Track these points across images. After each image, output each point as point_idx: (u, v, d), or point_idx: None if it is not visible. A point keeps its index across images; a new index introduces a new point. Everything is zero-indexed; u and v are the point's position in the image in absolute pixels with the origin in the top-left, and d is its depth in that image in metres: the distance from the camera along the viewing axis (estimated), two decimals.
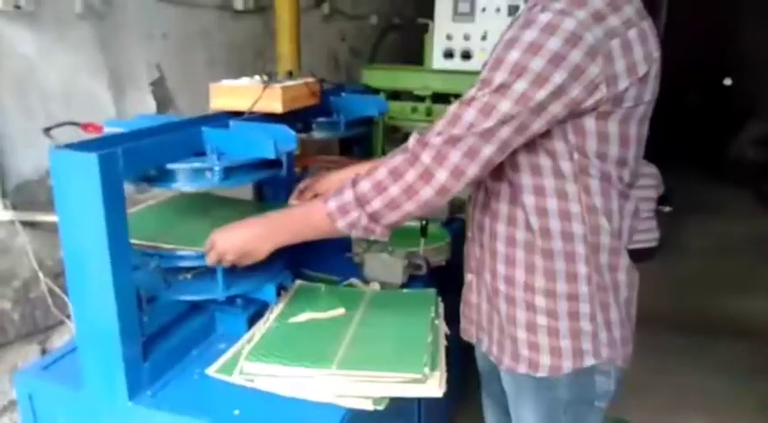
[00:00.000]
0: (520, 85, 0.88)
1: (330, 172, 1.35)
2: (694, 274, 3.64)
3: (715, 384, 2.53)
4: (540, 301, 1.04)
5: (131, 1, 2.17)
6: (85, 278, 0.94)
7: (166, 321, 1.17)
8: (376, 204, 0.97)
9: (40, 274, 1.80)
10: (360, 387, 0.99)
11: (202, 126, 1.12)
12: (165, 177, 1.05)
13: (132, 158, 0.93)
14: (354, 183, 0.98)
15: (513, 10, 2.28)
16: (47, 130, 0.93)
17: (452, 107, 0.95)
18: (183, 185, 1.06)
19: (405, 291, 1.34)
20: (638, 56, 0.92)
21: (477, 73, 2.57)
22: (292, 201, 1.32)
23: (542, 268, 1.03)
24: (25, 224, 1.76)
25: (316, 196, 1.30)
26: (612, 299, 1.04)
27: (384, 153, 2.74)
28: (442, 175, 0.93)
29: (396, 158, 0.97)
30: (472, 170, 0.93)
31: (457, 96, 2.81)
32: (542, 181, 1.00)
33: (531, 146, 0.98)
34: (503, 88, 0.89)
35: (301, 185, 1.35)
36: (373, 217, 0.98)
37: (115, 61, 2.14)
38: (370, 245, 1.49)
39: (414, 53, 2.79)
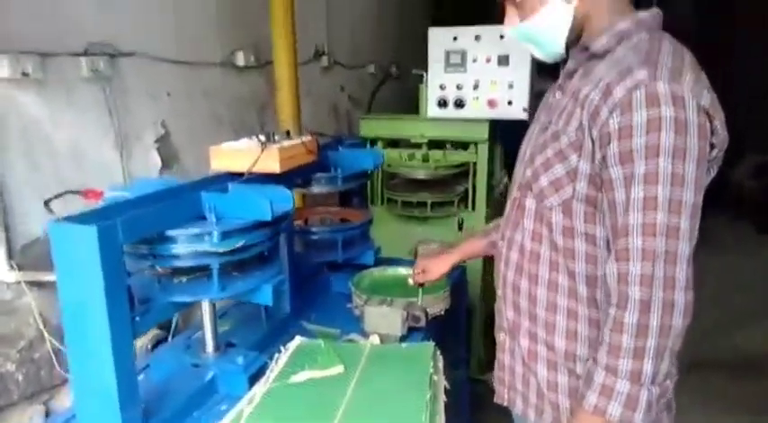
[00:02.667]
0: (684, 219, 0.89)
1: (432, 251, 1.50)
2: (702, 310, 3.60)
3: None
4: (582, 369, 1.03)
5: (136, 62, 2.26)
6: (85, 346, 0.96)
7: (166, 383, 1.18)
8: (649, 369, 0.90)
9: (45, 334, 1.82)
10: None
11: (201, 191, 1.15)
12: (165, 242, 1.08)
13: (131, 227, 0.96)
14: (611, 370, 0.92)
15: (503, 60, 2.35)
16: (46, 203, 0.97)
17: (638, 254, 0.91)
18: (183, 248, 1.08)
19: (403, 345, 1.34)
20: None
21: (470, 120, 2.65)
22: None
23: (587, 337, 1.03)
24: (32, 284, 1.79)
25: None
26: None
27: (383, 200, 2.78)
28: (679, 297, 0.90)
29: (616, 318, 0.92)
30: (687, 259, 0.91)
31: (452, 143, 2.86)
32: (595, 249, 1.00)
33: (588, 214, 0.99)
34: (672, 230, 0.89)
35: (417, 270, 1.52)
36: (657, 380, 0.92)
37: (121, 121, 2.21)
38: (369, 297, 1.51)
39: (411, 100, 2.86)
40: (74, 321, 0.96)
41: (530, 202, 1.07)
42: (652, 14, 1.01)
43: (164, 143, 2.47)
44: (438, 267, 1.51)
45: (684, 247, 0.89)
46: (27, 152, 1.86)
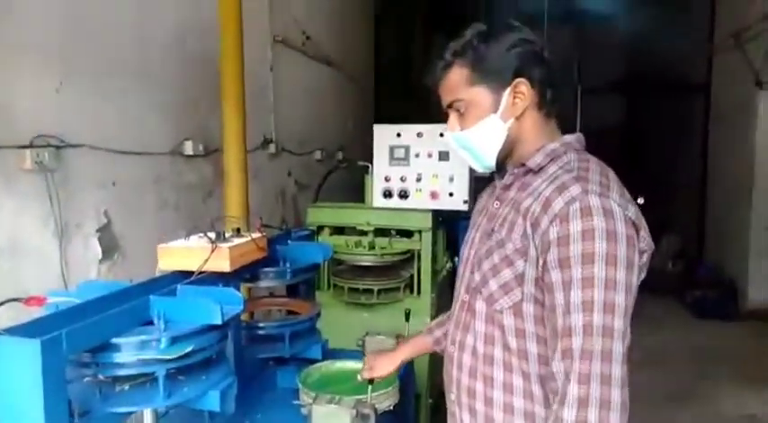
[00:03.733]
0: (618, 320, 0.96)
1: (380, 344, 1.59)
2: (634, 387, 3.71)
3: None
4: None
5: (83, 153, 2.26)
6: None
7: None
8: None
9: None
10: None
11: (149, 294, 1.15)
12: (111, 350, 1.05)
13: (76, 338, 0.94)
14: None
15: (443, 155, 2.50)
16: None
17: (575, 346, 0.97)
18: (128, 356, 1.06)
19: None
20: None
21: (413, 210, 2.74)
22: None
23: None
24: None
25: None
26: None
27: (330, 286, 2.79)
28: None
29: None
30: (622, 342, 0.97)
31: (397, 231, 2.91)
32: (546, 350, 1.04)
33: (537, 316, 1.05)
34: (608, 330, 0.96)
35: (364, 370, 1.53)
36: None
37: (62, 210, 2.18)
38: (317, 395, 1.49)
39: (357, 187, 2.95)
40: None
41: (480, 305, 1.13)
42: (576, 137, 1.15)
43: (105, 232, 2.43)
44: (385, 365, 1.53)
45: (618, 347, 0.96)
46: None
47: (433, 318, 2.66)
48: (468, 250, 1.23)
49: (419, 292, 2.72)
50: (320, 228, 2.77)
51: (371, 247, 2.70)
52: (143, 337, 1.06)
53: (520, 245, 1.06)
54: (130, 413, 1.15)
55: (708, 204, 6.56)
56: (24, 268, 1.99)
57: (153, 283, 1.27)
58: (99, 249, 2.39)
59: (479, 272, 1.13)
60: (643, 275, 1.08)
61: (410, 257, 2.74)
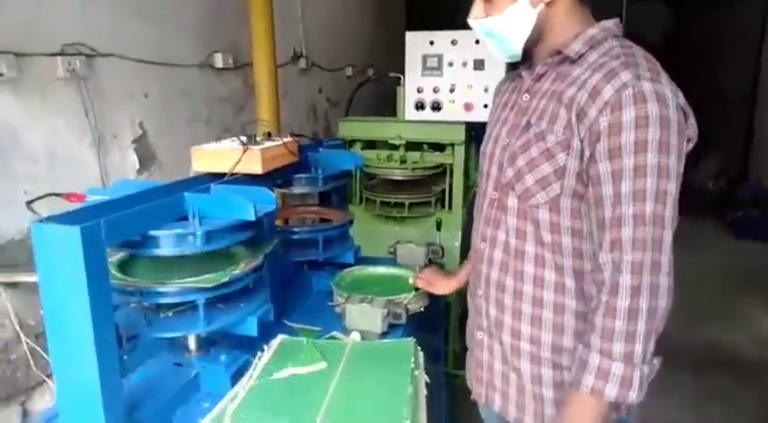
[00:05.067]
0: (669, 209, 0.96)
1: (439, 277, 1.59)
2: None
3: (702, 418, 2.57)
4: (568, 360, 1.08)
5: (113, 63, 2.25)
6: (68, 348, 0.96)
7: (150, 381, 1.19)
8: (640, 350, 0.96)
9: (22, 335, 1.80)
10: None
11: (184, 192, 1.16)
12: (148, 243, 1.09)
13: (114, 228, 0.96)
14: (605, 353, 0.96)
15: (478, 64, 2.40)
16: (29, 203, 0.97)
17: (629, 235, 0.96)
18: (167, 251, 1.10)
19: (385, 341, 1.37)
20: None
21: (446, 123, 2.68)
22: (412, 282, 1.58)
23: (574, 329, 1.08)
24: (6, 285, 1.78)
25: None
26: None
27: (362, 200, 2.80)
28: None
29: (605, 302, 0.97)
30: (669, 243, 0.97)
31: (429, 145, 2.88)
32: (582, 243, 1.05)
33: (574, 209, 1.04)
34: (659, 219, 0.95)
35: (421, 277, 1.59)
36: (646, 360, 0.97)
37: (98, 121, 2.20)
38: (350, 295, 1.53)
39: (389, 102, 2.89)
40: (56, 322, 0.96)
41: (512, 201, 1.11)
42: (614, 22, 1.08)
43: (141, 143, 2.47)
44: (444, 286, 1.59)
45: (668, 235, 0.96)
46: (1, 154, 1.84)
47: (463, 232, 2.68)
48: (492, 147, 1.19)
49: (450, 207, 2.71)
50: (352, 142, 2.75)
51: (403, 161, 2.68)
52: (179, 231, 1.09)
53: (562, 137, 1.02)
54: (174, 338, 1.20)
55: (756, 122, 6.24)
56: (64, 178, 2.04)
57: (187, 182, 1.29)
58: (136, 160, 2.44)
59: (513, 167, 1.10)
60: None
61: (442, 172, 2.72)
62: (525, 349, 1.12)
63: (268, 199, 1.20)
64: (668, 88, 0.96)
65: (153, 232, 1.07)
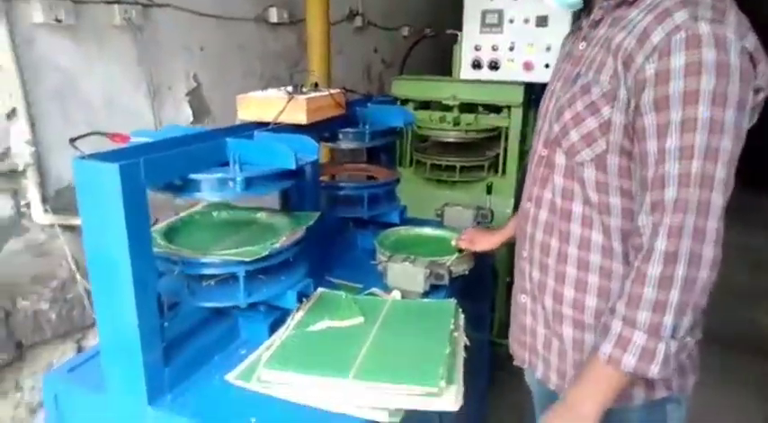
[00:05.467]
0: (720, 169, 0.85)
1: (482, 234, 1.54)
2: (735, 288, 3.51)
3: (747, 403, 2.43)
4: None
5: (169, 14, 2.25)
6: (108, 286, 0.97)
7: (190, 326, 1.20)
8: (669, 322, 0.86)
9: (78, 276, 1.88)
10: (375, 398, 0.99)
11: (227, 137, 1.14)
12: (188, 187, 1.08)
13: (154, 168, 0.95)
14: (628, 321, 0.89)
15: (541, 21, 2.26)
16: (72, 141, 0.97)
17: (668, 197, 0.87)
18: (206, 195, 1.09)
19: (425, 301, 1.33)
20: None
21: (504, 83, 2.57)
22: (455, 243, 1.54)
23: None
24: (64, 227, 1.84)
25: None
26: None
27: (412, 162, 2.74)
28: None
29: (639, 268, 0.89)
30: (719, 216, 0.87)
31: (485, 107, 2.78)
32: (632, 203, 0.97)
33: (623, 168, 0.96)
34: (707, 180, 0.84)
35: (462, 237, 1.56)
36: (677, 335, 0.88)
37: (153, 72, 2.22)
38: (392, 254, 1.50)
39: (444, 62, 2.79)
40: (97, 261, 0.97)
41: (560, 158, 1.04)
42: None
43: (195, 96, 2.48)
44: (486, 242, 1.53)
45: (718, 199, 0.85)
46: (60, 100, 1.88)
47: (516, 198, 2.58)
48: (547, 102, 1.11)
49: (504, 172, 2.62)
50: (404, 102, 2.68)
51: (456, 122, 2.59)
52: (219, 175, 1.07)
53: (608, 88, 0.93)
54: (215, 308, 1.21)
55: None
56: (120, 127, 2.08)
57: (232, 128, 1.27)
58: (190, 112, 2.46)
59: (559, 123, 1.02)
60: (754, 120, 0.92)
61: (497, 135, 2.62)
62: (568, 314, 1.05)
63: (310, 148, 1.17)
64: (732, 29, 0.83)
65: (193, 176, 1.05)
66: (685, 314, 0.87)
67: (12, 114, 1.70)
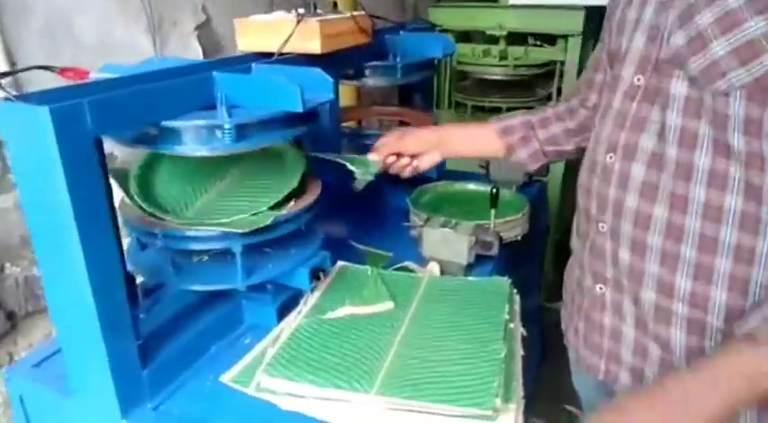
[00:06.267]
0: None
1: (413, 129, 1.15)
2: None
3: None
4: None
5: None
6: (55, 266, 0.75)
7: (180, 310, 0.97)
8: None
9: None
10: (406, 421, 0.75)
11: (214, 71, 0.87)
12: (162, 138, 0.82)
13: (106, 112, 0.70)
14: None
15: None
16: (1, 76, 0.71)
17: None
18: (187, 149, 0.83)
19: (470, 279, 1.07)
20: None
21: (560, 8, 2.13)
22: (372, 156, 1.14)
23: None
24: None
25: (397, 156, 1.16)
26: None
27: (451, 104, 2.42)
28: None
29: None
30: None
31: (536, 38, 2.41)
32: None
33: None
34: None
35: (379, 143, 1.16)
36: None
37: (155, 2, 1.93)
38: (430, 216, 1.23)
39: None
40: (40, 234, 0.74)
41: (679, 88, 0.73)
42: None
43: (204, 31, 2.19)
44: (421, 143, 1.17)
45: None
46: (46, 35, 1.63)
47: None
48: (638, 7, 0.79)
49: None
50: (443, 33, 2.33)
51: (503, 56, 2.24)
52: (200, 122, 0.80)
53: None
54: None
55: None
56: None
57: (225, 61, 0.99)
58: (199, 50, 2.17)
59: (687, 30, 0.70)
60: None
61: (550, 71, 2.26)
62: (680, 312, 0.77)
63: (323, 84, 0.89)
64: None
65: (166, 123, 0.79)
66: None
67: None
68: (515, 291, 1.03)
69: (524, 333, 0.97)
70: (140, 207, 0.90)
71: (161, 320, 0.92)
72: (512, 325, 0.93)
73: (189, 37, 2.14)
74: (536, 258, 1.86)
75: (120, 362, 0.79)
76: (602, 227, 0.85)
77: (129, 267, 0.92)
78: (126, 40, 1.87)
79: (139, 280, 0.97)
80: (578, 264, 0.93)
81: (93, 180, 0.70)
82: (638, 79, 0.79)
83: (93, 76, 0.87)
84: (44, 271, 0.77)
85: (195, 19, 2.16)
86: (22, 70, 0.78)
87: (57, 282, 0.77)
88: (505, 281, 1.04)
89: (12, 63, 1.51)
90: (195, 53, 2.17)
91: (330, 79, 0.89)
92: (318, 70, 0.90)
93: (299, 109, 0.82)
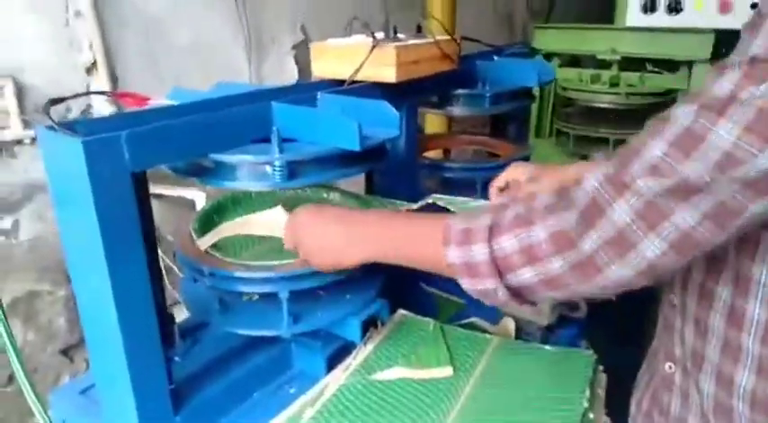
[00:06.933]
0: None
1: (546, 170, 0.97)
2: None
3: None
4: None
5: None
6: (86, 295, 0.72)
7: (224, 352, 0.91)
8: (525, 275, 0.59)
9: (159, 252, 1.72)
10: None
11: (273, 101, 0.81)
12: (213, 172, 0.77)
13: (146, 147, 0.65)
14: (493, 232, 0.61)
15: None
16: (52, 103, 0.68)
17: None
18: (238, 184, 0.77)
19: (547, 349, 0.92)
20: None
21: (687, 31, 1.89)
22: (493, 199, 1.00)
23: None
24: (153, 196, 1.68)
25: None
26: None
27: (552, 132, 2.25)
28: (647, 247, 0.51)
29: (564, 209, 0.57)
30: (715, 236, 0.50)
31: (654, 63, 2.17)
32: None
33: None
34: None
35: (498, 183, 1.02)
36: (518, 292, 0.62)
37: (254, 20, 1.96)
38: None
39: (604, 7, 2.22)
40: (75, 264, 0.71)
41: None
42: None
43: (301, 50, 2.20)
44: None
45: None
46: (146, 53, 1.69)
47: None
48: None
49: None
50: (548, 57, 2.17)
51: (614, 83, 2.04)
52: (247, 157, 0.74)
53: None
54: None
55: None
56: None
57: (291, 88, 0.93)
58: (295, 68, 2.19)
59: None
60: None
61: (667, 101, 2.02)
62: (741, 411, 0.60)
63: (389, 119, 0.80)
64: None
65: (214, 157, 0.73)
66: (552, 288, 0.60)
67: (92, 68, 1.53)
68: (601, 369, 0.87)
69: (608, 421, 0.81)
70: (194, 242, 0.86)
71: (201, 361, 0.87)
72: (592, 414, 0.77)
73: (285, 55, 2.16)
74: (635, 333, 1.64)
75: (149, 405, 0.74)
76: (673, 299, 0.70)
77: (179, 297, 0.88)
78: (222, 53, 1.91)
79: (182, 317, 0.93)
80: (657, 336, 0.77)
81: (128, 215, 0.66)
82: None
83: (159, 101, 0.84)
84: (79, 302, 0.74)
85: (293, 38, 2.17)
86: (75, 97, 0.76)
87: (89, 315, 0.74)
88: (589, 356, 0.88)
89: (113, 77, 1.57)
90: (291, 73, 2.18)
91: (396, 114, 0.80)
92: (384, 104, 0.81)
93: (357, 147, 0.73)
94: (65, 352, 1.68)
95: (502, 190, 1.01)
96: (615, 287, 0.56)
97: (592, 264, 0.54)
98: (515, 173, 1.00)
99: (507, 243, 0.59)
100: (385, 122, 0.80)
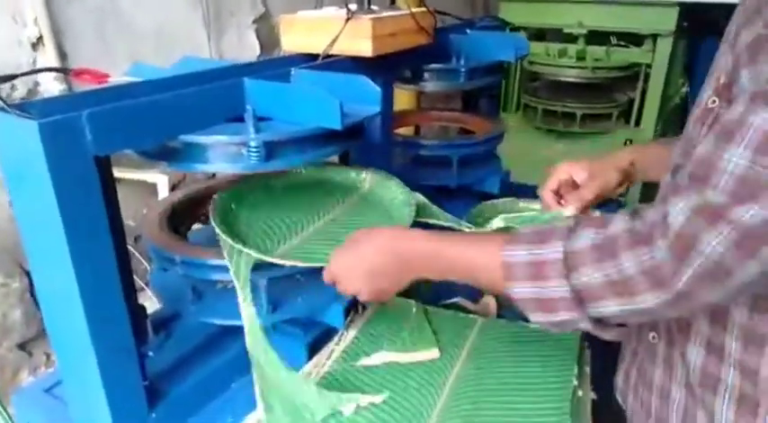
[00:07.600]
0: None
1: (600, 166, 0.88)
2: None
3: None
4: None
5: None
6: (47, 285, 0.67)
7: (200, 343, 0.87)
8: (610, 308, 0.56)
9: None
10: None
11: (245, 77, 0.75)
12: (184, 154, 0.71)
13: (110, 128, 0.60)
14: (569, 266, 0.55)
15: None
16: (0, 81, 0.62)
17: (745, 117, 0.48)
18: (211, 167, 0.72)
19: (532, 326, 0.91)
20: None
21: (652, 4, 1.84)
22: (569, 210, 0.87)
23: None
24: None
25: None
26: None
27: (519, 107, 2.24)
28: (744, 273, 0.49)
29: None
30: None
31: (620, 37, 2.17)
32: None
33: None
34: None
35: (551, 186, 0.91)
36: (599, 320, 0.58)
37: None
38: None
39: None
40: (32, 247, 0.66)
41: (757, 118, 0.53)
42: None
43: (263, 23, 2.11)
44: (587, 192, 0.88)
45: None
46: (96, 24, 1.58)
47: None
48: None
49: (638, 123, 2.06)
50: (515, 31, 2.15)
51: (581, 57, 2.04)
52: (220, 138, 0.69)
53: None
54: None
55: None
56: (168, 60, 1.78)
57: (263, 64, 0.88)
58: (257, 43, 2.10)
59: None
60: None
61: (632, 75, 2.04)
62: (731, 382, 0.62)
63: (369, 96, 0.76)
64: None
65: (184, 138, 0.68)
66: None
67: (38, 43, 1.42)
68: (586, 344, 0.87)
69: (594, 396, 0.81)
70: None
71: (176, 355, 0.83)
72: (580, 391, 0.77)
73: (246, 30, 2.07)
74: None
75: (122, 402, 0.70)
76: (651, 336, 0.71)
77: (150, 289, 0.83)
78: (180, 30, 1.82)
79: (154, 308, 0.88)
80: None
81: (92, 203, 0.61)
82: (712, 102, 0.61)
83: (118, 79, 0.77)
84: (39, 292, 0.69)
85: (254, 12, 2.08)
86: (30, 73, 0.69)
87: (51, 305, 0.68)
88: (574, 333, 0.88)
89: (62, 53, 1.47)
90: (252, 48, 2.10)
91: (378, 90, 0.76)
92: (365, 79, 0.77)
93: (338, 126, 0.69)
94: (22, 346, 1.60)
95: (555, 192, 0.91)
96: (700, 310, 0.57)
97: (685, 297, 0.52)
98: (565, 172, 0.91)
99: (590, 277, 0.55)
100: (365, 99, 0.76)
